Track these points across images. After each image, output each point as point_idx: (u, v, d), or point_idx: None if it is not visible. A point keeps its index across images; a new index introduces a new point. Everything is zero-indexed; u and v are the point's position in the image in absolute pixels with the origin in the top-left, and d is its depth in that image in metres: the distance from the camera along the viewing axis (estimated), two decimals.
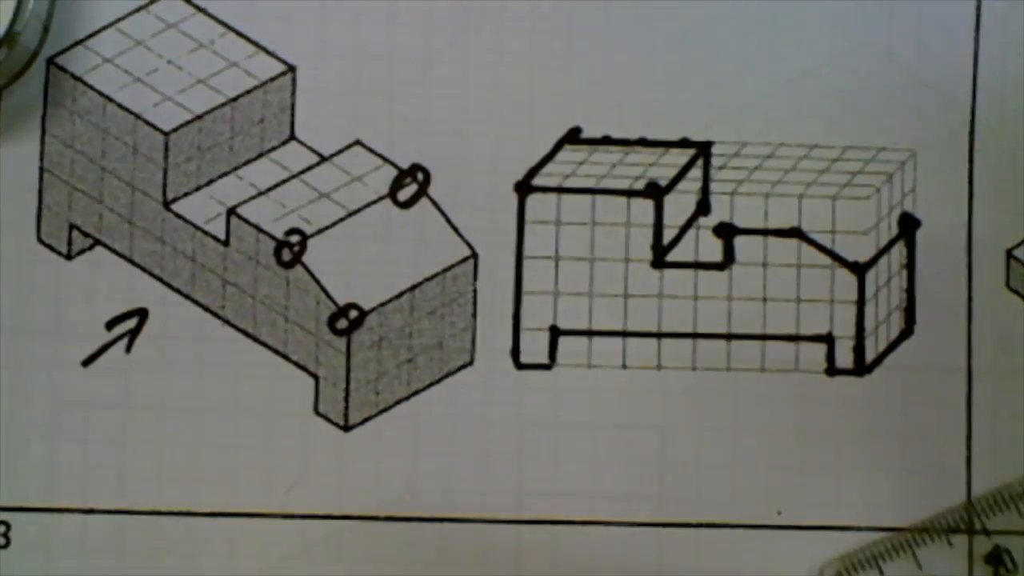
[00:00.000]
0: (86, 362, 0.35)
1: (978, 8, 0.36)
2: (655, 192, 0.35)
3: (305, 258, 0.35)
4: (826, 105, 0.35)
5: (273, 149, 0.35)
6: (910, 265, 0.35)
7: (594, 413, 0.35)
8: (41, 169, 0.35)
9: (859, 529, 0.35)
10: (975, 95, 0.36)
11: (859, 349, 0.35)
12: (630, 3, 0.35)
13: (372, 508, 0.35)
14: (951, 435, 0.35)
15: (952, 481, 0.35)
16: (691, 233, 0.35)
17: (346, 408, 0.35)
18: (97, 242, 0.35)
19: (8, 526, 0.34)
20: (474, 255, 0.35)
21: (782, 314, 0.35)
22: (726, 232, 0.35)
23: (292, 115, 0.35)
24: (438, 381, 0.35)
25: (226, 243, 0.35)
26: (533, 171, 0.35)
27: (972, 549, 0.35)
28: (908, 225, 0.35)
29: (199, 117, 0.35)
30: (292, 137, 0.35)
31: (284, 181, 0.35)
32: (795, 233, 0.35)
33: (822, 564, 0.35)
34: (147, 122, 0.35)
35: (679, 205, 0.35)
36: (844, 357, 0.35)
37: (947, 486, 0.35)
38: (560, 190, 0.35)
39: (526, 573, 0.35)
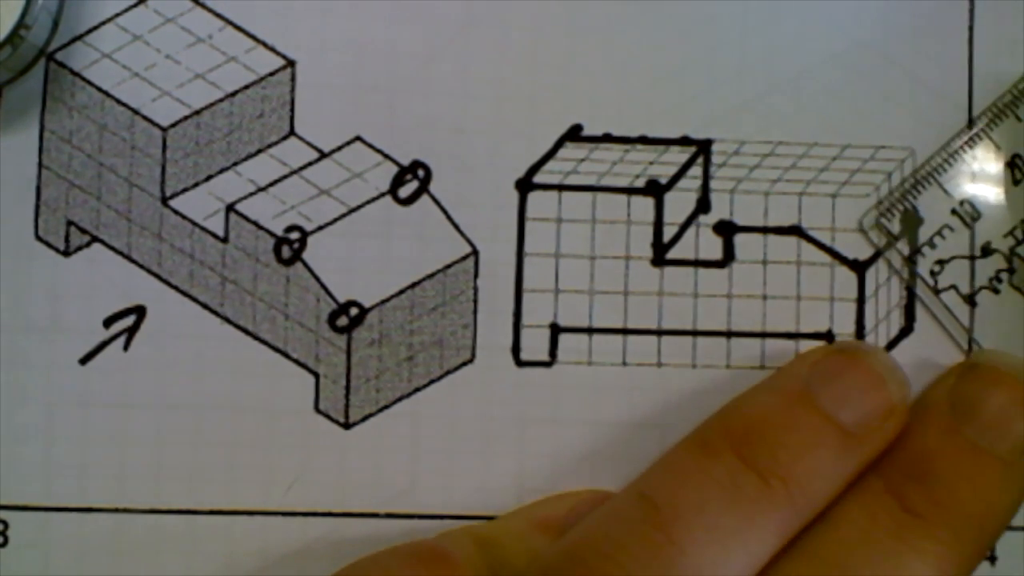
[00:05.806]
0: (84, 360, 0.35)
1: (971, 8, 0.36)
2: (655, 190, 0.35)
3: (305, 255, 0.35)
4: (825, 104, 0.36)
5: (272, 145, 0.35)
6: (910, 262, 0.36)
7: (594, 410, 0.35)
8: (39, 165, 0.35)
9: None
10: (971, 94, 0.36)
11: None
12: (631, 2, 0.35)
13: (372, 505, 0.35)
14: None
15: None
16: (691, 231, 0.35)
17: (346, 406, 0.35)
18: (95, 239, 0.35)
19: (6, 525, 0.34)
20: (475, 252, 0.35)
21: (782, 311, 0.35)
22: (726, 230, 0.35)
23: (292, 110, 0.35)
24: (439, 378, 0.35)
25: (225, 240, 0.35)
26: (534, 168, 0.35)
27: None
28: (908, 223, 0.36)
29: (197, 112, 0.35)
30: (291, 133, 0.35)
31: (284, 177, 0.35)
32: (795, 231, 0.35)
33: (860, 215, 0.35)
34: (145, 117, 0.35)
35: (679, 203, 0.35)
36: None
37: None
38: (561, 187, 0.35)
39: None
